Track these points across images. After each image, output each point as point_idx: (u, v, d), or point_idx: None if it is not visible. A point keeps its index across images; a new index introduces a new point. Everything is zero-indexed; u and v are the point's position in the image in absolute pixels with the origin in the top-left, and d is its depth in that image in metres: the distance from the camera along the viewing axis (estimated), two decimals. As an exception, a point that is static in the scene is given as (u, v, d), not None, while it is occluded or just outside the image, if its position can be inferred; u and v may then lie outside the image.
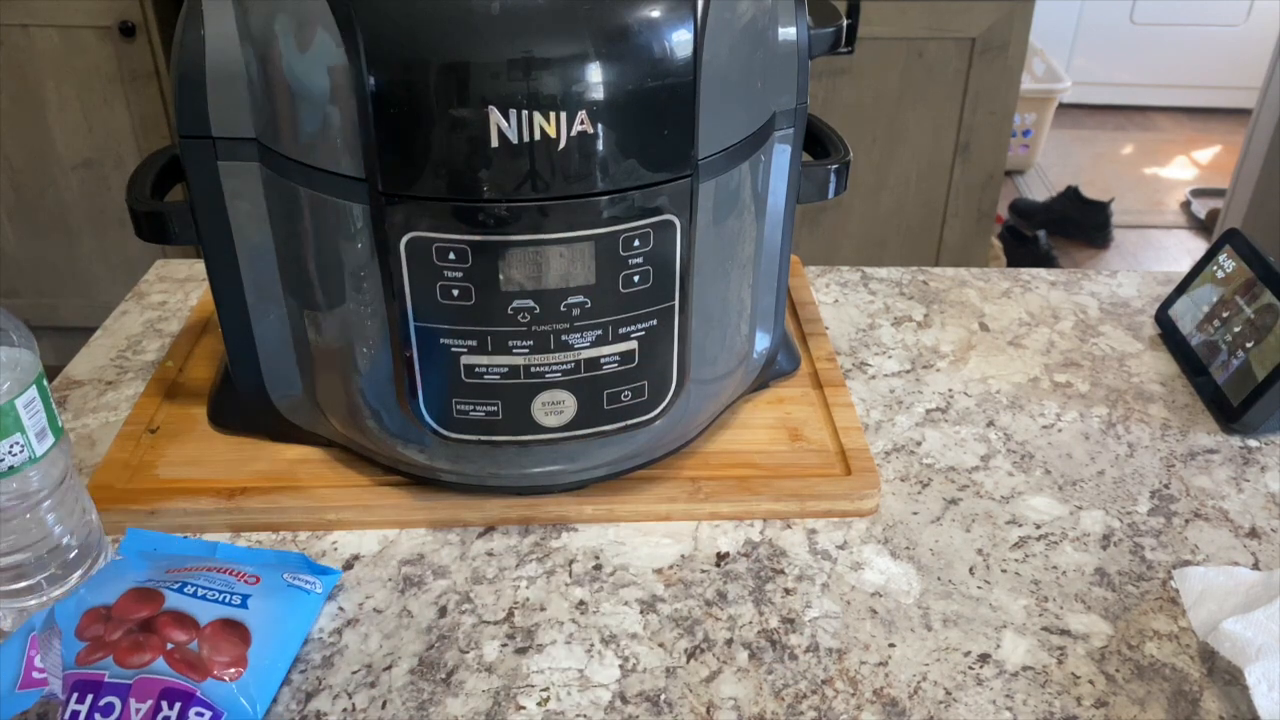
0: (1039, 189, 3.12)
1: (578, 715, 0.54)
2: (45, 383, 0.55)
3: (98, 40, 1.81)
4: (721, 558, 0.63)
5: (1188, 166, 3.35)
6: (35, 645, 0.51)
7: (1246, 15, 3.46)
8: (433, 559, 0.63)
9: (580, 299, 0.55)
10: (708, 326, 0.63)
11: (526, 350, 0.56)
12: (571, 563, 0.63)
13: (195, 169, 0.58)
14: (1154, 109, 3.68)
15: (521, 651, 0.57)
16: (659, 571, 0.62)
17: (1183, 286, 0.84)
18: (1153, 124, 3.61)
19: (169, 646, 0.51)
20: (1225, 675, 0.56)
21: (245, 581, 0.55)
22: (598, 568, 0.62)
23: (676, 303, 0.58)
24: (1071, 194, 2.89)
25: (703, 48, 0.52)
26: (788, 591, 0.61)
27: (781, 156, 0.63)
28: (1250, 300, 0.76)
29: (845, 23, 0.66)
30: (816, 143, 0.69)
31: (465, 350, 0.56)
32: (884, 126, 1.91)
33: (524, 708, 0.54)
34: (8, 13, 1.78)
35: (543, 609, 0.60)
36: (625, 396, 0.59)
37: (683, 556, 0.63)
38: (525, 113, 0.50)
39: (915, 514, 0.67)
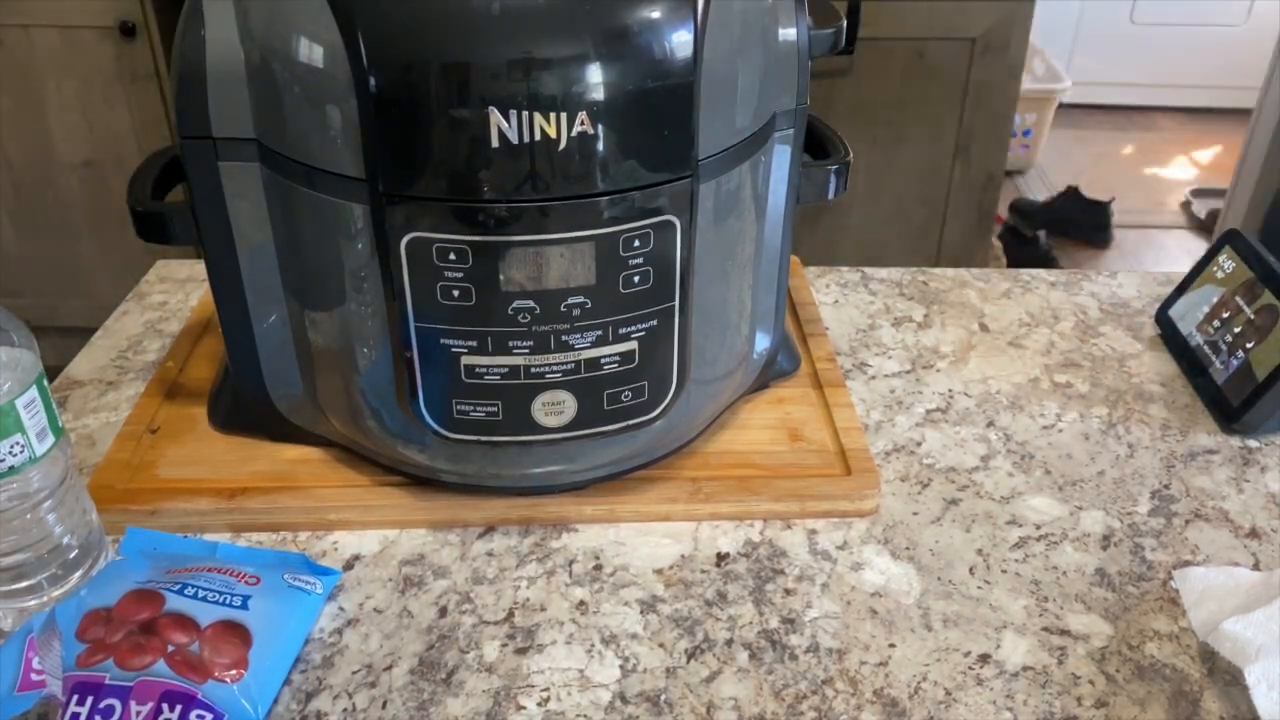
0: (1039, 189, 3.12)
1: (578, 715, 0.54)
2: (46, 383, 0.55)
3: (98, 40, 1.81)
4: (721, 558, 0.63)
5: (1188, 166, 3.35)
6: (34, 647, 0.51)
7: (1246, 15, 3.45)
8: (433, 559, 0.63)
9: (580, 299, 0.55)
10: (708, 327, 0.63)
11: (527, 350, 0.56)
12: (571, 563, 0.63)
13: (195, 169, 0.58)
14: (1154, 109, 3.68)
15: (522, 651, 0.57)
16: (659, 571, 0.62)
17: (1183, 287, 0.84)
18: (1153, 124, 3.61)
19: (170, 648, 0.51)
20: (1225, 675, 0.56)
21: (245, 582, 0.55)
22: (598, 568, 0.62)
23: (676, 303, 0.58)
24: (1072, 194, 2.89)
25: (703, 48, 0.52)
26: (788, 591, 0.61)
27: (782, 157, 0.63)
28: (1250, 300, 0.76)
29: (845, 23, 0.66)
30: (817, 143, 0.69)
31: (465, 350, 0.56)
32: (884, 126, 1.91)
33: (524, 708, 0.54)
34: (8, 13, 1.78)
35: (543, 609, 0.60)
36: (625, 397, 0.59)
37: (683, 556, 0.63)
38: (525, 113, 0.50)
39: (915, 514, 0.67)
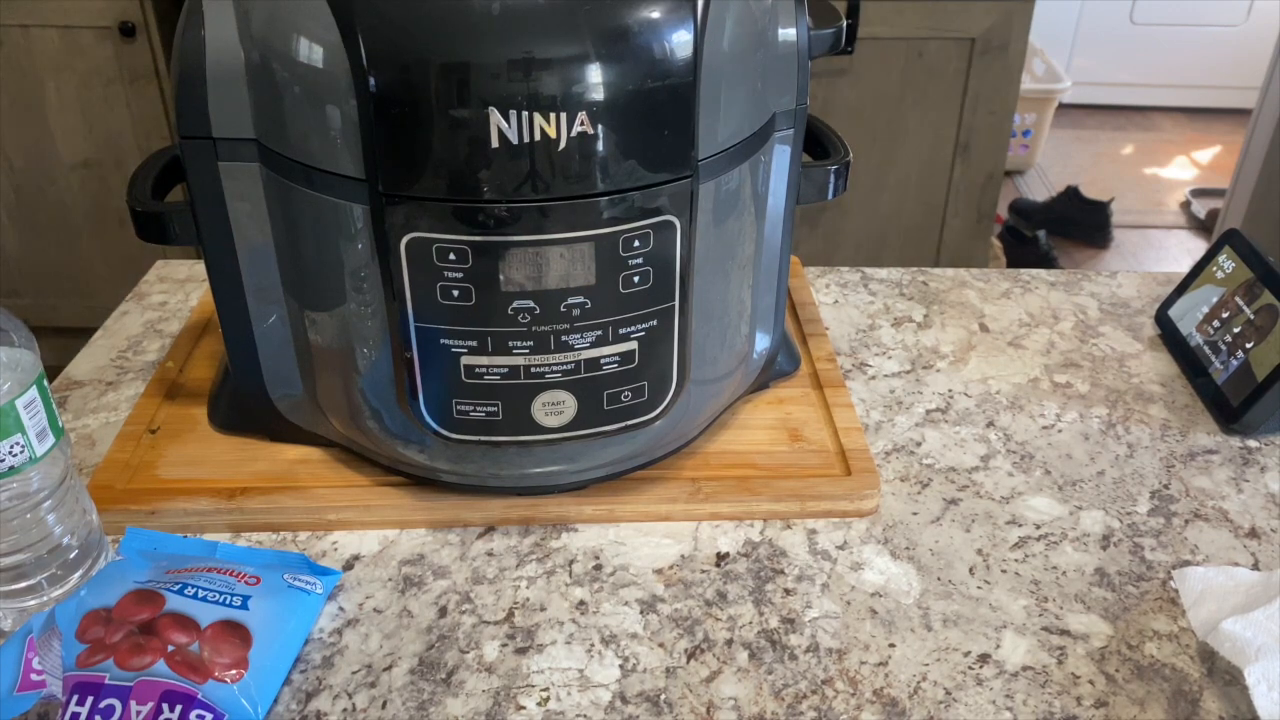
0: (1039, 189, 3.12)
1: (578, 715, 0.54)
2: (45, 383, 0.55)
3: (98, 40, 1.81)
4: (721, 558, 0.63)
5: (1188, 166, 3.35)
6: (33, 647, 0.51)
7: (1246, 15, 3.46)
8: (433, 559, 0.63)
9: (580, 299, 0.55)
10: (708, 327, 0.63)
11: (527, 351, 0.56)
12: (571, 563, 0.63)
13: (195, 169, 0.58)
14: (1154, 109, 3.68)
15: (521, 651, 0.57)
16: (659, 571, 0.62)
17: (1183, 287, 0.84)
18: (1153, 124, 3.61)
19: (170, 649, 0.51)
20: (1225, 675, 0.56)
21: (246, 582, 0.55)
22: (598, 568, 0.62)
23: (676, 303, 0.58)
24: (1071, 194, 2.89)
25: (703, 48, 0.52)
26: (788, 592, 0.61)
27: (781, 157, 0.63)
28: (1250, 300, 0.76)
29: (845, 23, 0.66)
30: (816, 143, 0.69)
31: (465, 351, 0.56)
32: (884, 126, 1.91)
33: (524, 708, 0.54)
34: (8, 13, 1.78)
35: (543, 609, 0.60)
36: (625, 397, 0.59)
37: (683, 556, 0.63)
38: (525, 113, 0.50)
39: (915, 514, 0.67)
